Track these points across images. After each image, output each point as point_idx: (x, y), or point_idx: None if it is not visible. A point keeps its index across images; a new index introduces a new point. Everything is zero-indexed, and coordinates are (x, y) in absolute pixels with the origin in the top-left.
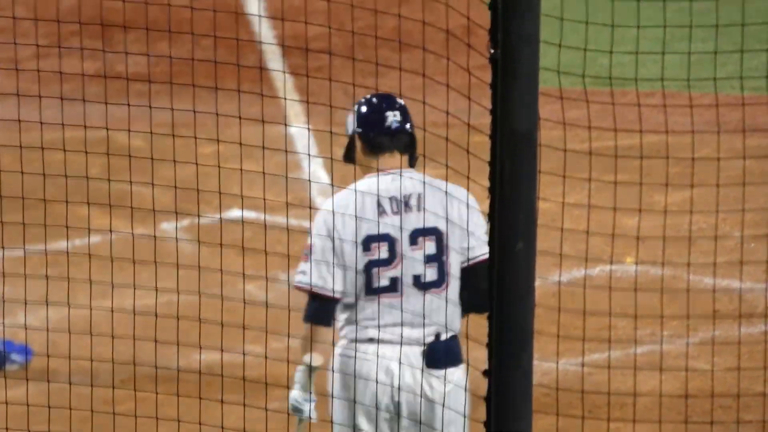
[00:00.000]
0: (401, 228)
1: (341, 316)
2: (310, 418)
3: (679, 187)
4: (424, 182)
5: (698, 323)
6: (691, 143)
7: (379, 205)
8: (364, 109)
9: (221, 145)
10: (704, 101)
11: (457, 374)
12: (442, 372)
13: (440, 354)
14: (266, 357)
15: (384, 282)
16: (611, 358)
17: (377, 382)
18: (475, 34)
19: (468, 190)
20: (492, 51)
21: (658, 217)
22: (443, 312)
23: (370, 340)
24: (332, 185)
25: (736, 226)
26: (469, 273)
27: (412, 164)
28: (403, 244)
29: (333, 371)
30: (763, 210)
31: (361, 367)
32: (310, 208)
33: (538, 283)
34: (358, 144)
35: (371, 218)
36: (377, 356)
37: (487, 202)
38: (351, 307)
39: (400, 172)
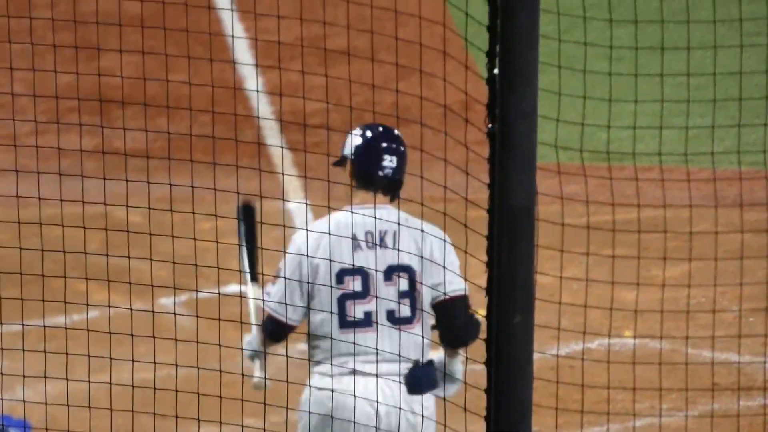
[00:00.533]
0: (375, 264)
1: (315, 349)
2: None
3: (677, 261)
4: (399, 220)
5: (697, 396)
6: (688, 217)
7: (354, 238)
8: (365, 141)
9: (219, 220)
10: (702, 176)
11: (432, 399)
12: (423, 398)
13: (420, 380)
14: (265, 430)
15: (358, 315)
16: (610, 431)
17: (354, 421)
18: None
19: (465, 262)
20: (490, 126)
21: (657, 291)
22: (418, 347)
23: (350, 373)
24: (330, 260)
25: (735, 300)
26: (441, 308)
27: (392, 199)
28: (377, 280)
29: (308, 410)
30: (761, 284)
31: (338, 401)
32: (308, 283)
33: (536, 356)
34: (348, 165)
35: (346, 252)
36: (349, 390)
37: (485, 276)
38: (325, 339)
39: (375, 208)
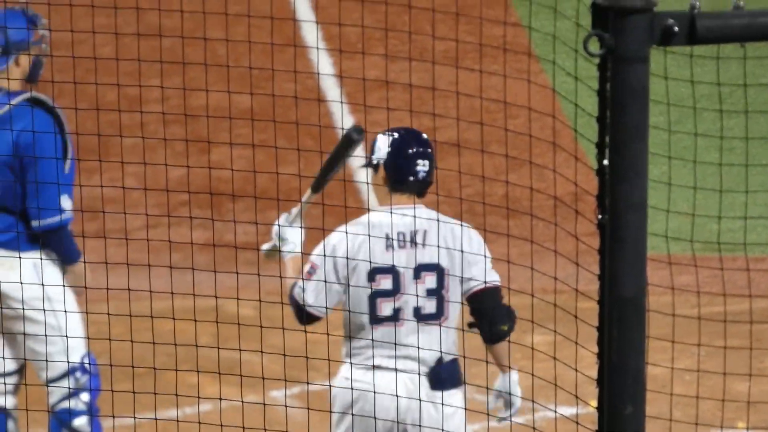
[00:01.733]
0: (408, 262)
1: (345, 345)
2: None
3: None
4: (432, 219)
5: None
6: None
7: (387, 238)
8: (396, 147)
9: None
10: None
11: (458, 396)
12: (446, 393)
13: (443, 377)
14: None
15: (387, 312)
16: None
17: (375, 418)
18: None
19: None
20: (600, 217)
21: None
22: (442, 343)
23: (375, 368)
24: (441, 352)
25: None
26: (474, 299)
27: (421, 196)
28: (407, 278)
29: (337, 402)
30: None
31: (366, 396)
32: (419, 375)
33: None
34: (381, 171)
35: (379, 252)
36: (374, 384)
37: (596, 367)
38: (355, 335)
39: (410, 209)
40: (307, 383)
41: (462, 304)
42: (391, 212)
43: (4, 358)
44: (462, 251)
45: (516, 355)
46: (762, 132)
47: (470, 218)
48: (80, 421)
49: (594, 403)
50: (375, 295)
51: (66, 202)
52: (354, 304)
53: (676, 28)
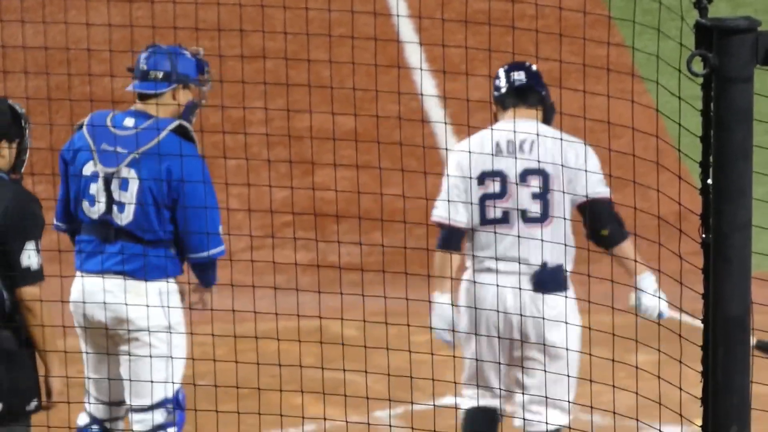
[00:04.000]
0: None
1: (467, 246)
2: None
3: None
4: (540, 130)
5: None
6: None
7: (496, 145)
8: (496, 73)
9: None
10: None
11: (560, 299)
12: (547, 297)
13: (546, 280)
14: None
15: (498, 213)
16: None
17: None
18: (688, 220)
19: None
20: (704, 236)
21: None
22: (547, 248)
23: (488, 270)
24: (545, 371)
25: None
26: (584, 209)
27: (546, 121)
28: (513, 182)
29: (461, 299)
30: None
31: (480, 293)
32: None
33: None
34: (495, 109)
35: (488, 158)
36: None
37: (700, 386)
38: (471, 238)
39: (520, 121)
40: (411, 403)
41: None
42: (495, 128)
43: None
44: (563, 166)
45: (620, 374)
46: None
47: (576, 238)
48: None
49: (699, 422)
50: (484, 198)
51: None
52: (471, 209)
53: None
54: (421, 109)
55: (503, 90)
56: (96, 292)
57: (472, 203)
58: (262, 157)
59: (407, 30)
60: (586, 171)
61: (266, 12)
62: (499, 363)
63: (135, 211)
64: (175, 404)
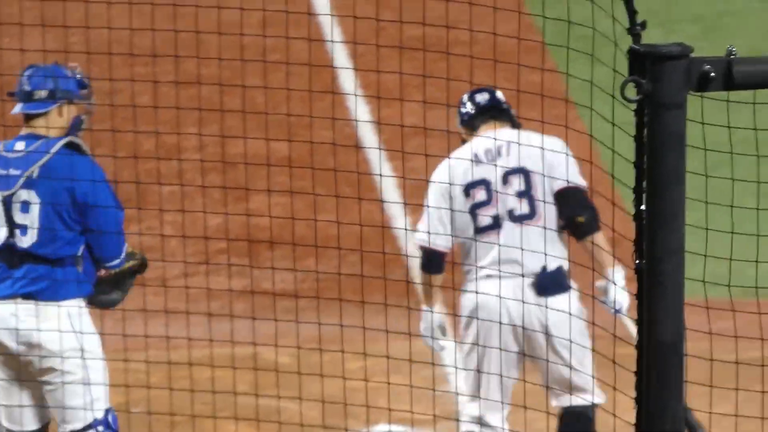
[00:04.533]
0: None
1: (463, 260)
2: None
3: None
4: (513, 136)
5: None
6: None
7: (475, 156)
8: (460, 100)
9: (368, 360)
10: None
11: (564, 301)
12: (551, 299)
13: (546, 283)
14: None
15: (487, 221)
16: None
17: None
18: (621, 246)
19: (614, 399)
20: (637, 262)
21: None
22: (540, 243)
23: (487, 277)
24: (479, 397)
25: None
26: (559, 197)
27: (514, 127)
28: (498, 186)
29: (463, 311)
30: None
31: (483, 303)
32: (457, 420)
33: None
34: (463, 132)
35: (469, 169)
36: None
37: (634, 412)
38: (464, 250)
39: (493, 132)
40: (345, 430)
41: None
42: (473, 141)
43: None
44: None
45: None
46: None
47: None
48: None
49: None
50: (473, 208)
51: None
52: (461, 221)
53: (713, 74)
54: (355, 135)
55: (472, 112)
56: (6, 318)
57: (453, 221)
58: (196, 183)
59: (341, 56)
60: (567, 157)
61: (200, 38)
62: (504, 376)
63: (38, 232)
64: (105, 426)
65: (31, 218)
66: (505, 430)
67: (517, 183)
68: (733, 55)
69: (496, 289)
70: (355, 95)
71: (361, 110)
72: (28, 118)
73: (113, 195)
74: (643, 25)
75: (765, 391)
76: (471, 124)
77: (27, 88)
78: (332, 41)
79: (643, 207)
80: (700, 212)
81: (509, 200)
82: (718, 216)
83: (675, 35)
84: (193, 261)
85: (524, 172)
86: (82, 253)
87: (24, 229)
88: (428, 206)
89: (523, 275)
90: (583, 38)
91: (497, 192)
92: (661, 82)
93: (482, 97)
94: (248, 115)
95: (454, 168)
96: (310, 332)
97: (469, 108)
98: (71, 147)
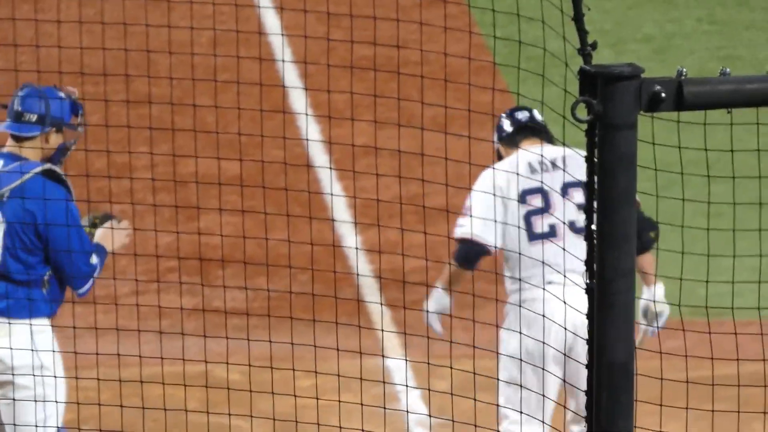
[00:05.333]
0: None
1: (508, 272)
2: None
3: None
4: (563, 151)
5: None
6: None
7: (529, 166)
8: (500, 118)
9: (319, 378)
10: None
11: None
12: None
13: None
14: None
15: (545, 229)
16: None
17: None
18: None
19: (563, 417)
20: (588, 282)
21: None
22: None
23: (548, 284)
24: (429, 416)
25: None
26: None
27: (541, 138)
28: (555, 196)
29: (509, 323)
30: None
31: (535, 310)
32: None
33: None
34: (502, 150)
35: (525, 177)
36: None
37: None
38: (512, 260)
39: (539, 147)
40: None
41: None
42: (522, 151)
43: None
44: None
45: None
46: (749, 197)
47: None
48: None
49: None
50: (529, 215)
51: (93, 259)
52: (511, 231)
53: (664, 94)
54: (306, 154)
55: (511, 129)
56: None
57: (508, 223)
58: (147, 202)
59: (292, 76)
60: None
61: (151, 57)
62: (546, 396)
63: (1, 253)
64: None
65: None
66: None
67: (577, 196)
68: (684, 76)
69: (548, 296)
70: (306, 114)
71: (311, 129)
72: (14, 137)
73: (78, 233)
74: (594, 45)
75: (715, 410)
76: (512, 140)
77: (18, 108)
78: (283, 60)
79: (594, 227)
80: (651, 233)
81: (570, 211)
82: (669, 236)
83: (626, 56)
84: (144, 279)
85: (582, 186)
86: (49, 276)
87: None
88: (474, 199)
89: (576, 285)
90: (533, 58)
91: (558, 200)
92: (613, 103)
93: (523, 115)
94: (199, 135)
95: (502, 176)
96: (261, 350)
97: (509, 126)
98: (47, 174)
